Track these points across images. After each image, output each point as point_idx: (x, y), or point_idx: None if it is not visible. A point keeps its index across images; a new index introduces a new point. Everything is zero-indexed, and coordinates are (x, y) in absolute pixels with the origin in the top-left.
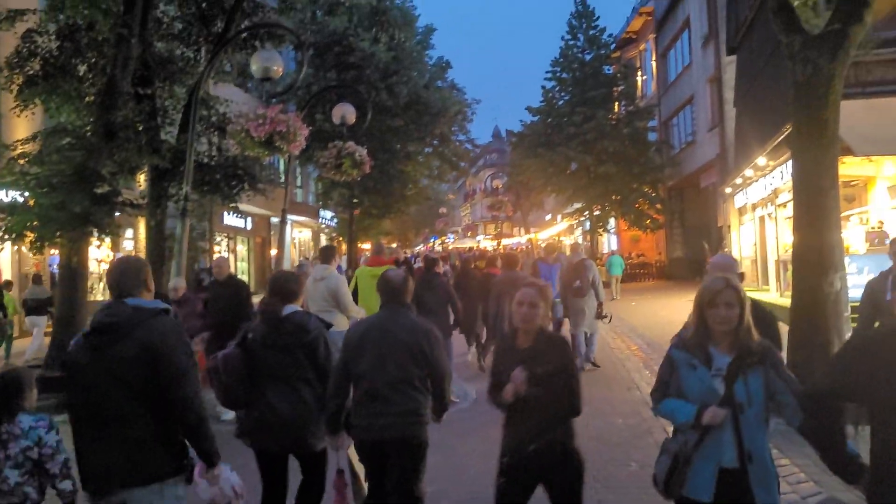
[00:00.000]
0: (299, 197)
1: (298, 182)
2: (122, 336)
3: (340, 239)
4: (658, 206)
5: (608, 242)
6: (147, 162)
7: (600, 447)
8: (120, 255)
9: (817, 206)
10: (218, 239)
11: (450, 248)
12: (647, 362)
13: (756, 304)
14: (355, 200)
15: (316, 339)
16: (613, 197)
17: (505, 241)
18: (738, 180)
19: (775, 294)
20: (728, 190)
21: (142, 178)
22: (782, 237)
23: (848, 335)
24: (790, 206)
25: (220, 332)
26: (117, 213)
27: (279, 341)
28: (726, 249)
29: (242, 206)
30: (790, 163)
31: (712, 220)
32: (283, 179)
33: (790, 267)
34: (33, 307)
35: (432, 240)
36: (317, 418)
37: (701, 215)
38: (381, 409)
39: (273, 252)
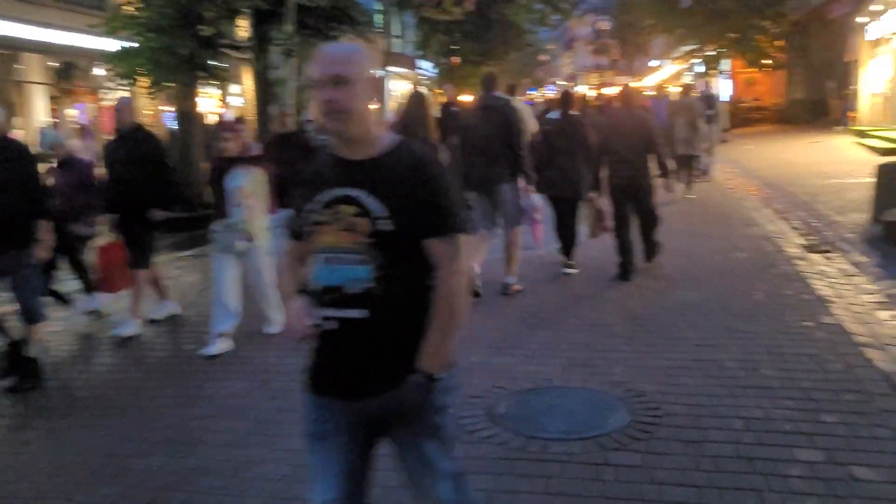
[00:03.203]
0: (397, 47)
1: (396, 32)
2: (496, 111)
3: (440, 91)
4: (779, 42)
5: (720, 86)
6: (248, 3)
7: (724, 279)
8: (227, 110)
9: None
10: None
11: (549, 98)
12: (766, 201)
13: None
14: (454, 47)
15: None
16: (730, 35)
17: (605, 91)
18: (879, 6)
19: None
20: (863, 19)
21: (243, 27)
22: None
23: None
24: None
25: (125, 209)
26: (223, 62)
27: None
28: (852, 88)
29: None
30: None
31: (839, 56)
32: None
33: None
34: None
35: (531, 91)
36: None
37: (827, 52)
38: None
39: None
